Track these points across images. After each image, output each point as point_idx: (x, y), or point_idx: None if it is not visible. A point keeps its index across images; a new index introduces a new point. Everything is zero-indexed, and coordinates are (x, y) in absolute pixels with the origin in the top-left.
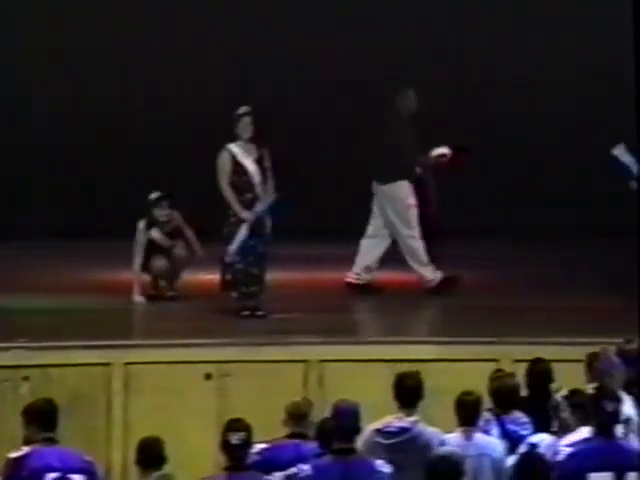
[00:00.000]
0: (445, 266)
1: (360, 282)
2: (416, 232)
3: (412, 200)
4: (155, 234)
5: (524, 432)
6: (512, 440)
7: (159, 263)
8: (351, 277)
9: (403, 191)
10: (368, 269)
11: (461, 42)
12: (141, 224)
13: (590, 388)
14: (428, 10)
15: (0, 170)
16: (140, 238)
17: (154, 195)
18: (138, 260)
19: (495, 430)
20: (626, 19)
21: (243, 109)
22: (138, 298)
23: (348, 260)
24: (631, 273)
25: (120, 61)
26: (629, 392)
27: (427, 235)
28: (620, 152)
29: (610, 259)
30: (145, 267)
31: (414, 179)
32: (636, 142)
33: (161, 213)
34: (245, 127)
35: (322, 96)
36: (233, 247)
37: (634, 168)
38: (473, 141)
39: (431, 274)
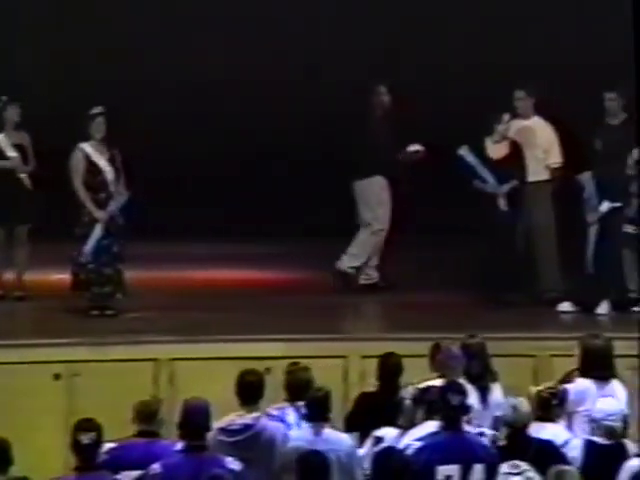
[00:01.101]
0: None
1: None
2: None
3: (385, 196)
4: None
5: None
6: None
7: None
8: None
9: (376, 187)
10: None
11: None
12: None
13: (433, 379)
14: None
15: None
16: None
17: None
18: None
19: (292, 415)
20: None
21: (96, 109)
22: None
23: (202, 260)
24: (475, 270)
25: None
26: (473, 383)
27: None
28: (465, 152)
29: (456, 257)
30: None
31: (389, 175)
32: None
33: (13, 112)
34: (98, 127)
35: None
36: (88, 247)
37: (478, 168)
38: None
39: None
